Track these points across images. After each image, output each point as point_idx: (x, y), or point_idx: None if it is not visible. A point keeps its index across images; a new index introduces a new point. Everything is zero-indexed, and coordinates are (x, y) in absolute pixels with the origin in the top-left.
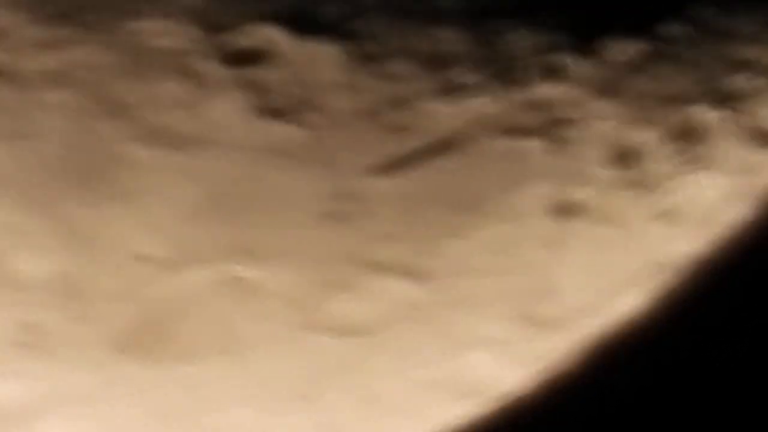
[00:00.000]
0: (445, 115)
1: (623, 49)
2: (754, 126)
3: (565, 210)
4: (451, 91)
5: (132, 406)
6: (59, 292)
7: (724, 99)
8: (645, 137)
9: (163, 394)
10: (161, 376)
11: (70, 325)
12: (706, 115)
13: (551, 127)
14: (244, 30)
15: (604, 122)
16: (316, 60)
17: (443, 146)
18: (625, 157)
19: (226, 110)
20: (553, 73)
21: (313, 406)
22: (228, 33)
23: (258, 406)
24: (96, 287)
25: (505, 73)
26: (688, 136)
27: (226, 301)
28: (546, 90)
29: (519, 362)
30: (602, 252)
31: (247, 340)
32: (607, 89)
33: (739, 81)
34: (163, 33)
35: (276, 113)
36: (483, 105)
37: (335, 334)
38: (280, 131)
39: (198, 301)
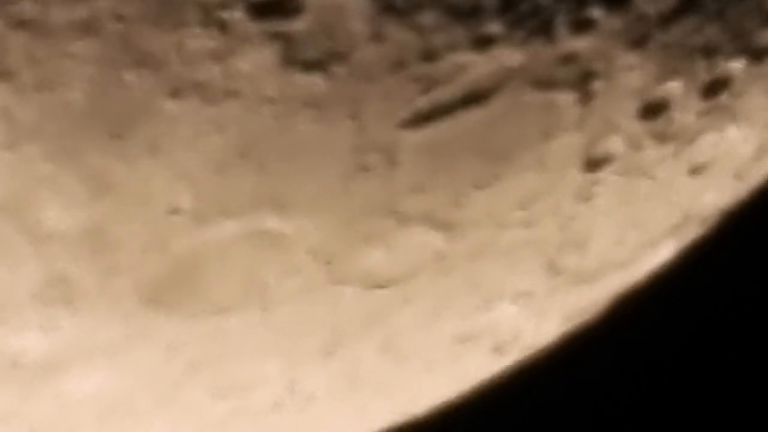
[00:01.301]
0: (475, 67)
1: (653, 1)
2: None
3: (595, 162)
4: (481, 43)
5: (159, 357)
6: (87, 244)
7: (755, 52)
8: (674, 90)
9: (190, 346)
10: (189, 327)
11: (98, 277)
12: (736, 68)
13: (581, 79)
14: None
15: (634, 75)
16: (344, 11)
17: (472, 98)
18: (654, 110)
19: (255, 62)
20: (582, 26)
21: (338, 359)
22: None
23: (284, 357)
24: (124, 239)
25: (534, 25)
26: (717, 89)
27: (254, 253)
28: (575, 43)
29: (547, 315)
30: (632, 204)
31: (274, 293)
32: (637, 42)
33: None
34: None
35: (304, 65)
36: (512, 57)
37: (362, 287)
38: (308, 83)
39: (226, 253)
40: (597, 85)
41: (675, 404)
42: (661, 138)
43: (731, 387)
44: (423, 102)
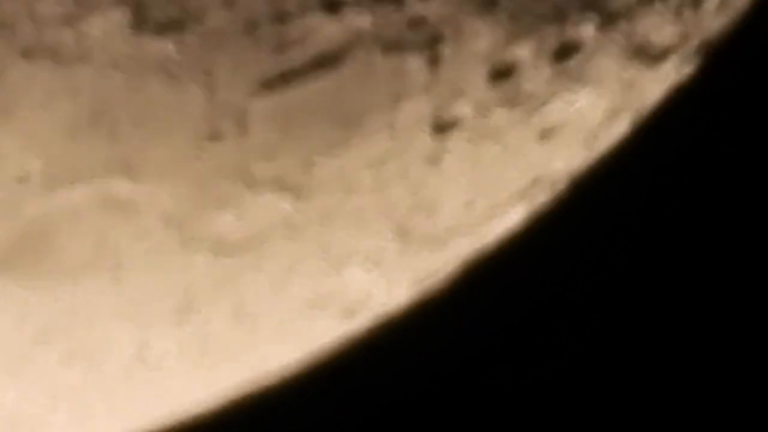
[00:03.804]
0: (325, 31)
1: None
2: (633, 43)
3: (445, 127)
4: (331, 6)
5: (8, 325)
6: None
7: (605, 16)
8: (523, 54)
9: (41, 312)
10: (39, 294)
11: None
12: (586, 32)
13: (429, 44)
14: None
15: (482, 39)
16: None
17: (322, 63)
18: (503, 75)
19: (105, 26)
20: None
21: (189, 324)
22: None
23: (135, 322)
24: None
25: None
26: (567, 54)
27: (105, 218)
28: (423, 7)
29: (397, 279)
30: (482, 169)
31: (123, 258)
32: (485, 6)
33: None
34: None
35: (154, 29)
36: (362, 21)
37: (213, 251)
38: (158, 48)
39: (76, 218)
40: (445, 50)
41: (523, 368)
42: (510, 102)
43: (579, 349)
44: (273, 67)
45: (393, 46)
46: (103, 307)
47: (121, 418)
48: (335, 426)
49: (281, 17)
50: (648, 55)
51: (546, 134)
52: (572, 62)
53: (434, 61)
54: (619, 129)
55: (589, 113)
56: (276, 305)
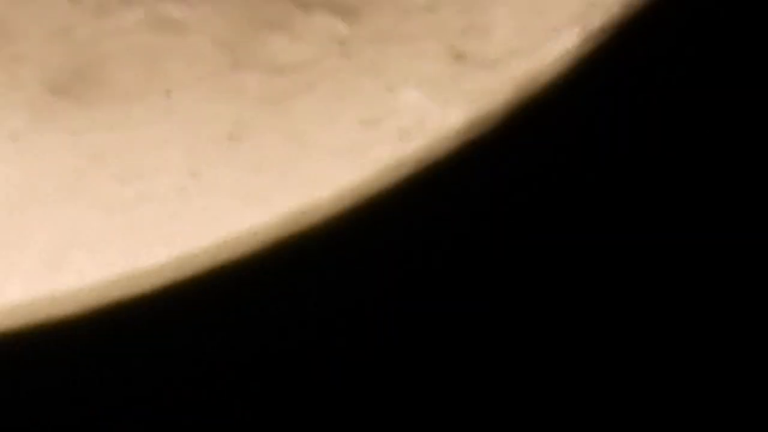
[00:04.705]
0: None
1: None
2: None
3: None
4: None
5: (62, 146)
6: None
7: None
8: None
9: (93, 135)
10: (93, 115)
11: (2, 67)
12: None
13: None
14: None
15: None
16: None
17: None
18: None
19: None
20: None
21: (241, 147)
22: None
23: (186, 145)
24: (27, 29)
25: None
26: None
27: (156, 41)
28: None
29: (452, 101)
30: None
31: (176, 81)
32: None
33: None
34: None
35: None
36: None
37: (264, 74)
38: None
39: (128, 42)
40: None
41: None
42: None
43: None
44: None
45: None
46: (156, 131)
47: (176, 240)
48: (389, 253)
49: None
50: None
51: None
52: None
53: None
54: None
55: None
56: (330, 126)
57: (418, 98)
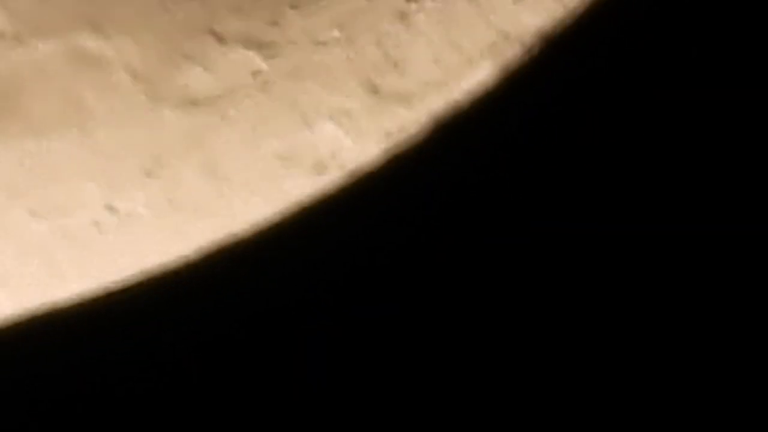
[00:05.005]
0: None
1: None
2: None
3: None
4: None
5: None
6: None
7: None
8: None
9: (11, 167)
10: (9, 148)
11: None
12: None
13: None
14: None
15: None
16: None
17: None
18: None
19: None
20: None
21: (158, 179)
22: None
23: (102, 179)
24: None
25: None
26: None
27: (73, 74)
28: None
29: (367, 134)
30: (451, 25)
31: (93, 114)
32: None
33: None
34: None
35: None
36: None
37: (181, 107)
38: None
39: (44, 74)
40: None
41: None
42: None
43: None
44: None
45: None
46: (72, 164)
47: (92, 274)
48: (304, 283)
49: None
50: None
51: None
52: None
53: None
54: None
55: None
56: (247, 160)
57: (334, 131)
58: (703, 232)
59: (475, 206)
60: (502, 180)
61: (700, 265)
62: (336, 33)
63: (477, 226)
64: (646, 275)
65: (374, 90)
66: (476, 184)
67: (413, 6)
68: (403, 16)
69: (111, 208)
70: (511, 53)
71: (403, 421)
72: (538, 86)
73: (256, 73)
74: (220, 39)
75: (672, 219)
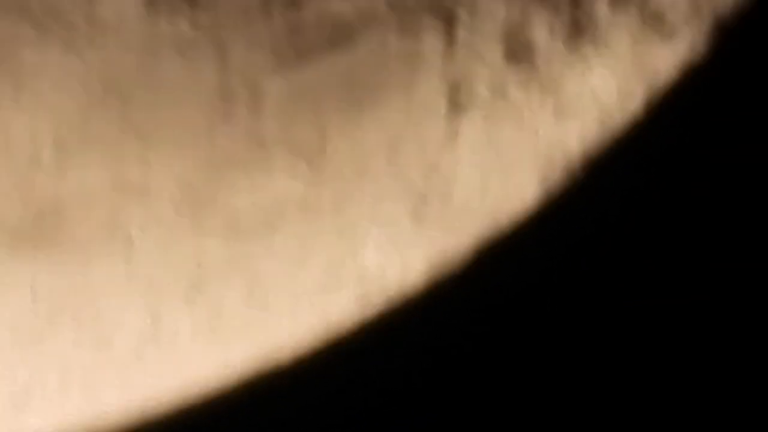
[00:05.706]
0: (338, 12)
1: None
2: (646, 17)
3: (460, 106)
4: None
5: (23, 303)
6: None
7: None
8: (539, 33)
9: (54, 292)
10: (52, 274)
11: None
12: (600, 11)
13: (445, 22)
14: None
15: (498, 18)
16: None
17: (336, 44)
18: (517, 53)
19: (118, 8)
20: None
21: (201, 305)
22: None
23: (145, 299)
24: None
25: None
26: (580, 31)
27: (117, 202)
28: None
29: (412, 262)
30: (497, 149)
31: (136, 241)
32: None
33: None
34: None
35: (169, 11)
36: (375, 2)
37: (225, 234)
38: (172, 28)
39: (89, 202)
40: (461, 29)
41: (540, 349)
42: (526, 82)
43: (600, 329)
44: (287, 47)
45: (408, 25)
46: (115, 290)
47: (132, 395)
48: (346, 408)
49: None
50: (661, 30)
51: (560, 111)
52: (586, 41)
53: (450, 40)
54: (633, 106)
55: (603, 90)
56: (289, 284)
57: (378, 257)
58: None
59: (517, 335)
60: (546, 307)
61: None
62: (381, 157)
63: (520, 356)
64: None
65: (419, 216)
66: (519, 311)
67: (458, 129)
68: (448, 139)
69: (153, 330)
70: (556, 176)
71: None
72: (583, 210)
73: (301, 201)
74: (265, 167)
75: None
